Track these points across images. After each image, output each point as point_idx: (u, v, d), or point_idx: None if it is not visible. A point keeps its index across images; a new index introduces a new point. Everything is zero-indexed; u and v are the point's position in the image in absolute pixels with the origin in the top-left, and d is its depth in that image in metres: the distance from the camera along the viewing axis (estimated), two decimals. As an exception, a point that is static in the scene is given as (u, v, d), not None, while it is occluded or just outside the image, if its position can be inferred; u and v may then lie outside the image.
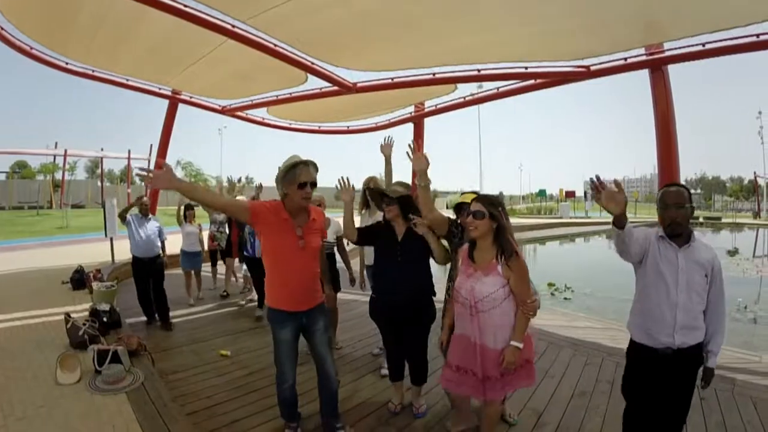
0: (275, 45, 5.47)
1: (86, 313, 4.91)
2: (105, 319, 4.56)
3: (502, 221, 2.33)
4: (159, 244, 5.47)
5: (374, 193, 3.32)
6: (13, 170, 45.09)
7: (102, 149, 38.37)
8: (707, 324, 2.17)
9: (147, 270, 5.33)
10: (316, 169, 2.60)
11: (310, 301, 2.64)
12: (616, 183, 2.05)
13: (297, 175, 2.52)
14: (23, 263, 9.81)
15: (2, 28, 6.09)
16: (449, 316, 2.61)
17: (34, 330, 4.84)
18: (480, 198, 2.42)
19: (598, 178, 2.09)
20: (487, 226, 2.32)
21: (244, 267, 6.34)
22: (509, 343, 2.29)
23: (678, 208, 2.11)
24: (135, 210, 5.42)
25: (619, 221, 2.03)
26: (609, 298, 8.09)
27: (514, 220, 2.68)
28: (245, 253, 5.56)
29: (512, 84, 6.97)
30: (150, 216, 5.47)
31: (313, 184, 2.55)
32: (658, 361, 2.16)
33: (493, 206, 2.34)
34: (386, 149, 3.77)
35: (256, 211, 2.53)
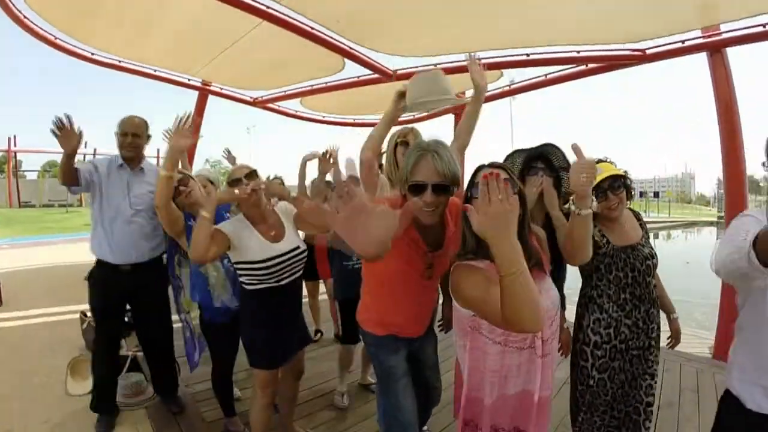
0: (312, 28, 5.07)
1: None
2: (126, 319, 4.21)
3: (526, 202, 1.48)
4: None
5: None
6: (44, 169, 46.31)
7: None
8: None
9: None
10: (446, 163, 1.53)
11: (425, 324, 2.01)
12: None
13: (411, 171, 1.56)
14: (47, 259, 9.80)
15: (25, 17, 5.80)
16: None
17: (49, 329, 4.62)
18: (495, 164, 1.51)
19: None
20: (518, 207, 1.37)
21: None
22: (562, 327, 2.10)
23: None
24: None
25: None
26: (680, 302, 7.51)
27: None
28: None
29: (562, 69, 6.41)
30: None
31: (442, 188, 1.54)
32: None
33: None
34: (482, 79, 2.24)
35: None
